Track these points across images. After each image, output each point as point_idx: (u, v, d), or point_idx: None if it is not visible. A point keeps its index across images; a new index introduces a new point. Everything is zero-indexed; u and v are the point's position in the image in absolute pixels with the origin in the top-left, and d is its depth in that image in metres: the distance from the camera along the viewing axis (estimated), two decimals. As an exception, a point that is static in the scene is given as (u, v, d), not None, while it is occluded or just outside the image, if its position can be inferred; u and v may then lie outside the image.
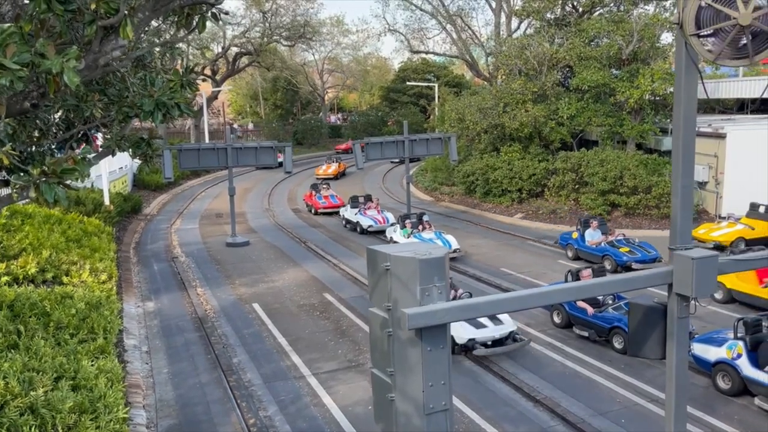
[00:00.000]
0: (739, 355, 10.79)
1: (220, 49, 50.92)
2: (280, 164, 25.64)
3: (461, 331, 12.66)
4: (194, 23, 5.99)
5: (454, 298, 12.60)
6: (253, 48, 49.22)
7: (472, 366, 12.56)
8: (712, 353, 11.23)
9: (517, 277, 18.63)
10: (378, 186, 39.49)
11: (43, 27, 4.71)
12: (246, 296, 17.46)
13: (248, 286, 18.48)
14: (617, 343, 12.95)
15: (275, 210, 32.24)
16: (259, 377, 12.18)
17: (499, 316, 13.04)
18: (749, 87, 32.73)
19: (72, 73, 4.06)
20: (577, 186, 26.56)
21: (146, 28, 6.92)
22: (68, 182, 4.74)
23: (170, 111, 5.79)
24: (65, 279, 15.51)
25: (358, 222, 25.84)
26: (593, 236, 20.16)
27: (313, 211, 30.88)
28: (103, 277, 16.15)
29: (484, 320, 12.84)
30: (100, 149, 9.23)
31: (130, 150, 8.91)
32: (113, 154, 8.91)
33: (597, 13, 30.94)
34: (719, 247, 20.50)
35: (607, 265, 18.48)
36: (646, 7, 29.23)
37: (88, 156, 5.16)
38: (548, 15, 32.25)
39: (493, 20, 40.45)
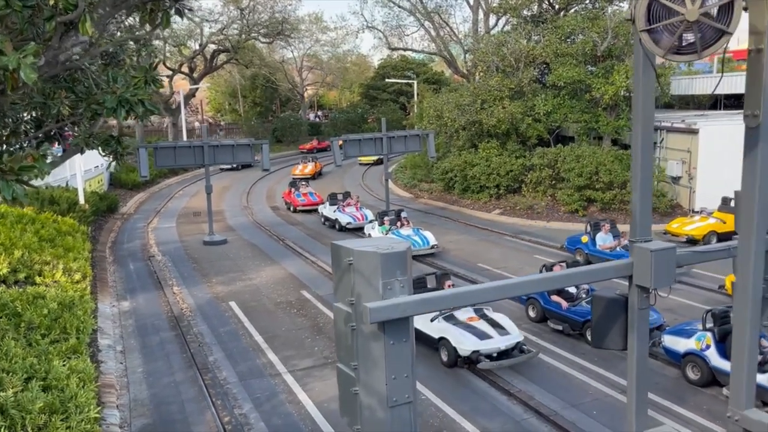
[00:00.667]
0: (708, 346, 10.99)
1: (197, 47, 50.51)
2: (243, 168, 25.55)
3: (464, 343, 11.90)
4: (158, 19, 5.95)
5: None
6: (230, 45, 48.87)
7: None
8: (681, 345, 11.43)
9: (494, 273, 18.76)
10: (358, 183, 39.49)
11: (2, 23, 4.66)
12: (223, 294, 17.39)
13: (225, 284, 18.40)
14: (590, 336, 13.09)
15: (254, 208, 32.11)
16: (234, 375, 12.15)
17: (505, 326, 12.46)
18: (722, 83, 33.24)
19: (29, 69, 4.03)
20: (553, 182, 26.79)
21: (107, 24, 6.86)
22: (27, 179, 4.69)
23: (134, 108, 5.75)
24: (38, 279, 15.32)
25: (336, 219, 25.84)
26: (605, 240, 18.96)
27: (291, 208, 30.80)
28: (77, 276, 15.98)
29: (489, 330, 12.19)
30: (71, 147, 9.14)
31: (99, 148, 8.83)
32: (82, 152, 8.84)
33: (573, 10, 31.19)
34: (692, 241, 20.86)
35: None
36: (621, 4, 29.55)
37: (50, 153, 5.11)
38: (525, 12, 32.46)
39: (471, 17, 40.61)
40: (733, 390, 4.78)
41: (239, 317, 15.49)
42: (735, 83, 31.68)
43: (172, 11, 5.86)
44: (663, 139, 26.49)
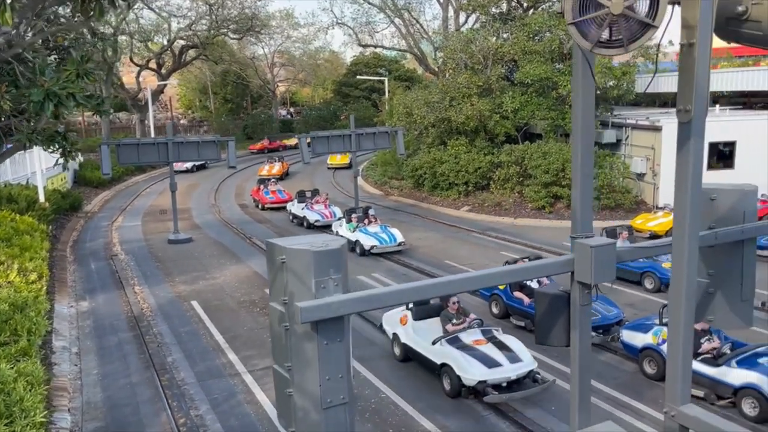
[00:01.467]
0: (664, 341, 11.08)
1: (165, 42, 49.75)
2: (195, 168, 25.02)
3: (469, 371, 10.58)
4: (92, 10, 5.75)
5: (464, 324, 11.92)
6: (199, 41, 48.22)
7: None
8: (639, 339, 11.53)
9: (460, 269, 18.77)
10: (329, 181, 39.26)
11: None
12: (185, 294, 17.12)
13: (188, 283, 18.12)
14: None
15: (221, 206, 31.74)
16: (192, 376, 11.95)
17: (516, 351, 11.10)
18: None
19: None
20: (521, 179, 26.93)
21: (40, 13, 6.63)
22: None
23: (63, 102, 5.54)
24: (-8, 279, 14.90)
25: (304, 217, 25.64)
26: None
27: (260, 206, 30.51)
28: (33, 276, 15.55)
29: (498, 356, 10.87)
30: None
31: (44, 145, 8.57)
32: (24, 149, 8.56)
33: (540, 8, 31.36)
34: (655, 236, 21.11)
35: (648, 284, 16.15)
36: (586, 2, 29.75)
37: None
38: (494, 10, 32.55)
39: (441, 14, 40.64)
40: (668, 386, 4.78)
41: (201, 317, 15.26)
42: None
43: (105, 1, 5.66)
44: (628, 136, 26.81)
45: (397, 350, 12.55)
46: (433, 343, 11.51)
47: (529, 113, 27.80)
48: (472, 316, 12.34)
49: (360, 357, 12.61)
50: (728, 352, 10.44)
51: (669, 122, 25.03)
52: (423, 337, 11.91)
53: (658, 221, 21.48)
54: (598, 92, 27.24)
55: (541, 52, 27.62)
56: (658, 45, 7.62)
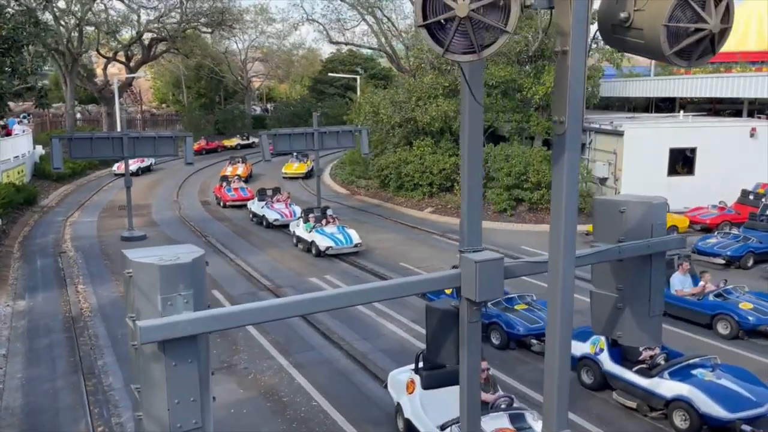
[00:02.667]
0: (601, 350, 10.96)
1: (134, 34, 48.83)
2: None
3: None
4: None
5: (491, 399, 9.10)
6: (168, 34, 47.39)
7: (347, 365, 12.31)
8: (578, 348, 11.36)
9: (413, 272, 18.53)
10: (298, 181, 38.77)
11: None
12: (129, 293, 16.63)
13: (134, 282, 17.61)
14: (494, 339, 12.98)
15: (183, 202, 31.16)
16: (121, 381, 11.54)
17: None
18: (655, 86, 33.94)
19: None
20: (484, 181, 26.75)
21: None
22: None
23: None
24: None
25: (264, 216, 25.24)
26: (684, 283, 14.21)
27: (221, 203, 30.02)
28: (-33, 274, 15.04)
29: None
30: None
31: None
32: None
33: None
34: (612, 242, 21.06)
35: (722, 328, 13.22)
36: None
37: None
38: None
39: (413, 14, 40.37)
40: (545, 412, 4.55)
41: (141, 318, 14.80)
42: (668, 87, 32.43)
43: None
44: (591, 140, 26.79)
45: (400, 424, 9.70)
46: (443, 428, 8.60)
47: (493, 115, 27.66)
48: (501, 392, 9.48)
49: (297, 363, 12.32)
50: (662, 362, 10.32)
51: (631, 127, 25.08)
52: (432, 414, 8.97)
53: (616, 226, 21.40)
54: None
55: (507, 54, 27.47)
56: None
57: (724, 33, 3.91)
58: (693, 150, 25.09)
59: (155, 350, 3.87)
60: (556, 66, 3.89)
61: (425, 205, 28.44)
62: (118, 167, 35.56)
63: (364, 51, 66.95)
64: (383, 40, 43.31)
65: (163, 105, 79.62)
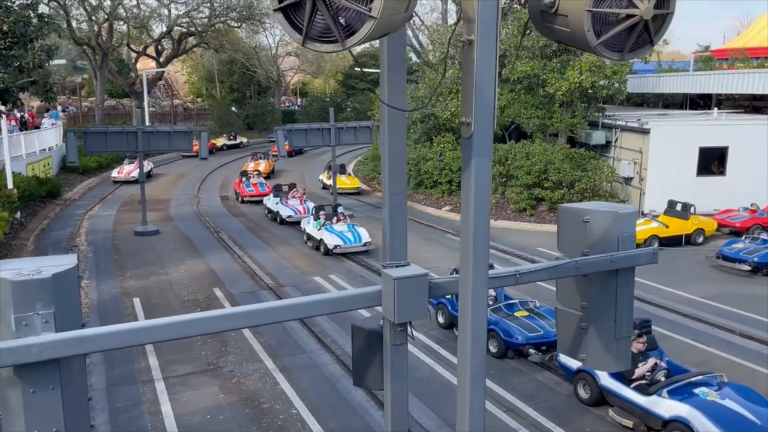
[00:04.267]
0: (599, 364, 10.26)
1: (164, 29, 49.22)
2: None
3: None
4: None
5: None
6: (196, 29, 47.63)
7: (335, 371, 11.88)
8: (574, 360, 10.69)
9: (421, 273, 17.98)
10: (318, 177, 38.47)
11: None
12: (131, 290, 16.54)
13: (138, 278, 17.54)
14: (492, 346, 12.38)
15: (203, 197, 31.17)
16: (104, 381, 11.34)
17: None
18: (693, 82, 32.46)
19: None
20: (504, 179, 26.02)
21: None
22: None
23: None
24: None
25: (278, 212, 24.99)
26: None
27: (240, 199, 29.91)
28: (-31, 268, 15.06)
29: None
30: None
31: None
32: None
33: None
34: (632, 245, 20.16)
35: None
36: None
37: None
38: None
39: (440, 6, 39.67)
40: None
41: (137, 315, 14.67)
42: (704, 82, 31.01)
43: None
44: (617, 138, 25.78)
45: None
46: None
47: (516, 111, 26.84)
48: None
49: (284, 368, 11.95)
50: (662, 379, 9.60)
51: (658, 125, 23.99)
52: None
53: (637, 229, 20.45)
54: (590, 91, 26.20)
55: (531, 48, 26.61)
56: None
57: (663, 20, 3.32)
58: (725, 149, 23.88)
59: (11, 375, 3.48)
60: (462, 59, 3.35)
61: (444, 203, 27.82)
62: (118, 172, 34.91)
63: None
64: (410, 33, 42.63)
65: (198, 99, 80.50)
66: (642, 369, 9.74)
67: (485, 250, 3.79)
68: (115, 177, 34.86)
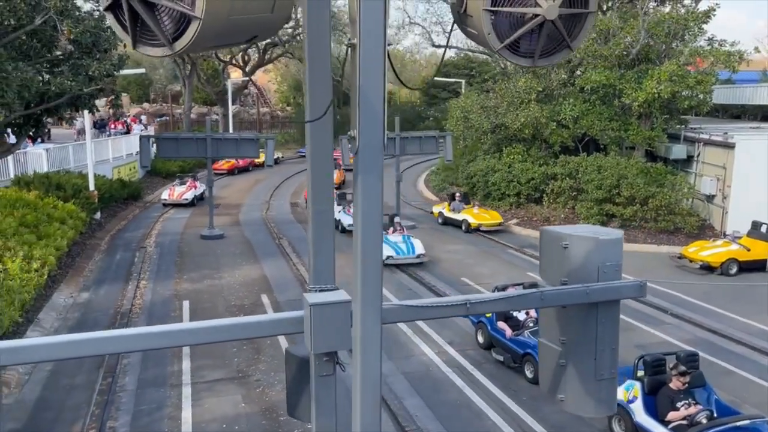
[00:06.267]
0: (635, 399, 9.42)
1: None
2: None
3: None
4: None
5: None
6: (279, 39, 48.94)
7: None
8: (610, 393, 9.86)
9: (472, 289, 17.43)
10: (389, 184, 38.41)
11: None
12: (183, 292, 16.96)
13: (192, 281, 17.98)
14: (528, 371, 11.70)
15: (273, 203, 31.77)
16: (135, 382, 11.60)
17: None
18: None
19: None
20: (575, 193, 24.89)
21: None
22: None
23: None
24: (-4, 265, 15.35)
25: (339, 220, 25.03)
26: None
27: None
28: (35, 265, 15.93)
29: None
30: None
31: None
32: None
33: (615, 7, 28.91)
34: (707, 268, 18.70)
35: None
36: (663, 5, 27.05)
37: None
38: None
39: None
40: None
41: (182, 318, 14.99)
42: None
43: None
44: (699, 153, 24.07)
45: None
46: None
47: (588, 122, 25.64)
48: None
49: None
50: (704, 421, 8.65)
51: (744, 139, 22.18)
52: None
53: (714, 251, 18.94)
54: (671, 103, 24.62)
55: (608, 57, 25.36)
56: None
57: (581, 21, 2.84)
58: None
59: None
60: (350, 64, 3.00)
61: (511, 216, 26.93)
62: (169, 194, 29.86)
63: (479, 55, 65.55)
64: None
65: (288, 107, 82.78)
66: (678, 414, 8.79)
67: (377, 282, 3.40)
68: (165, 200, 29.77)
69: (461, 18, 3.15)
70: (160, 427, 10.07)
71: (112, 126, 43.20)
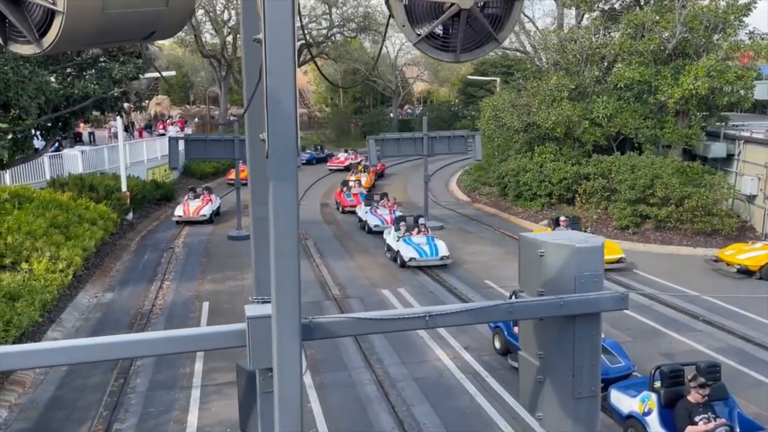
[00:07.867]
0: (650, 411, 8.96)
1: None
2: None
3: None
4: None
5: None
6: (312, 40, 49.14)
7: (370, 392, 11.37)
8: (625, 404, 9.43)
9: (494, 292, 17.01)
10: (422, 185, 37.98)
11: None
12: (204, 293, 17.04)
13: (215, 282, 18.06)
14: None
15: (304, 203, 31.77)
16: (147, 384, 11.64)
17: None
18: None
19: None
20: (608, 193, 24.15)
21: None
22: None
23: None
24: (23, 265, 15.66)
25: (366, 221, 24.89)
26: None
27: (339, 208, 30.11)
28: (61, 265, 16.22)
29: None
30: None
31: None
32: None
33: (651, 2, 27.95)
34: (745, 272, 17.86)
35: None
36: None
37: None
38: (601, 5, 29.54)
39: (555, 11, 37.91)
40: None
41: (201, 320, 15.04)
42: None
43: None
44: (740, 151, 23.05)
45: None
46: None
47: (622, 121, 24.85)
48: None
49: (320, 384, 11.62)
50: (723, 437, 8.15)
51: (787, 136, 21.16)
52: None
53: (753, 254, 18.07)
54: (709, 99, 23.64)
55: (642, 52, 24.53)
56: None
57: (507, 10, 2.56)
58: None
59: None
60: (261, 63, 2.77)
61: (542, 216, 26.30)
62: (183, 210, 25.83)
63: (516, 54, 64.63)
64: (527, 40, 41.16)
65: (326, 108, 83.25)
66: (696, 429, 8.28)
67: (294, 297, 3.17)
68: (179, 216, 25.81)
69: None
70: (164, 430, 10.06)
71: (161, 127, 44.06)
